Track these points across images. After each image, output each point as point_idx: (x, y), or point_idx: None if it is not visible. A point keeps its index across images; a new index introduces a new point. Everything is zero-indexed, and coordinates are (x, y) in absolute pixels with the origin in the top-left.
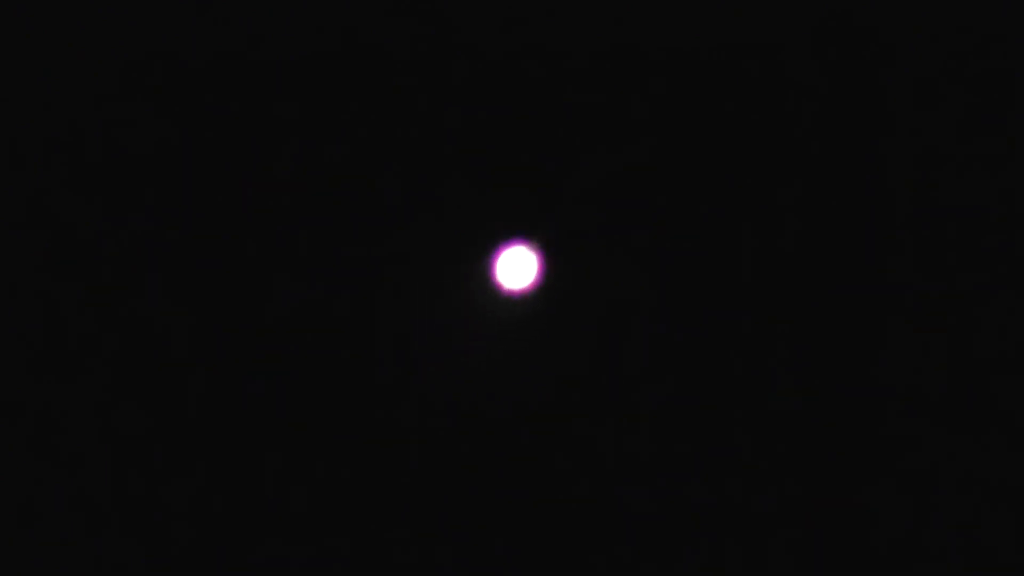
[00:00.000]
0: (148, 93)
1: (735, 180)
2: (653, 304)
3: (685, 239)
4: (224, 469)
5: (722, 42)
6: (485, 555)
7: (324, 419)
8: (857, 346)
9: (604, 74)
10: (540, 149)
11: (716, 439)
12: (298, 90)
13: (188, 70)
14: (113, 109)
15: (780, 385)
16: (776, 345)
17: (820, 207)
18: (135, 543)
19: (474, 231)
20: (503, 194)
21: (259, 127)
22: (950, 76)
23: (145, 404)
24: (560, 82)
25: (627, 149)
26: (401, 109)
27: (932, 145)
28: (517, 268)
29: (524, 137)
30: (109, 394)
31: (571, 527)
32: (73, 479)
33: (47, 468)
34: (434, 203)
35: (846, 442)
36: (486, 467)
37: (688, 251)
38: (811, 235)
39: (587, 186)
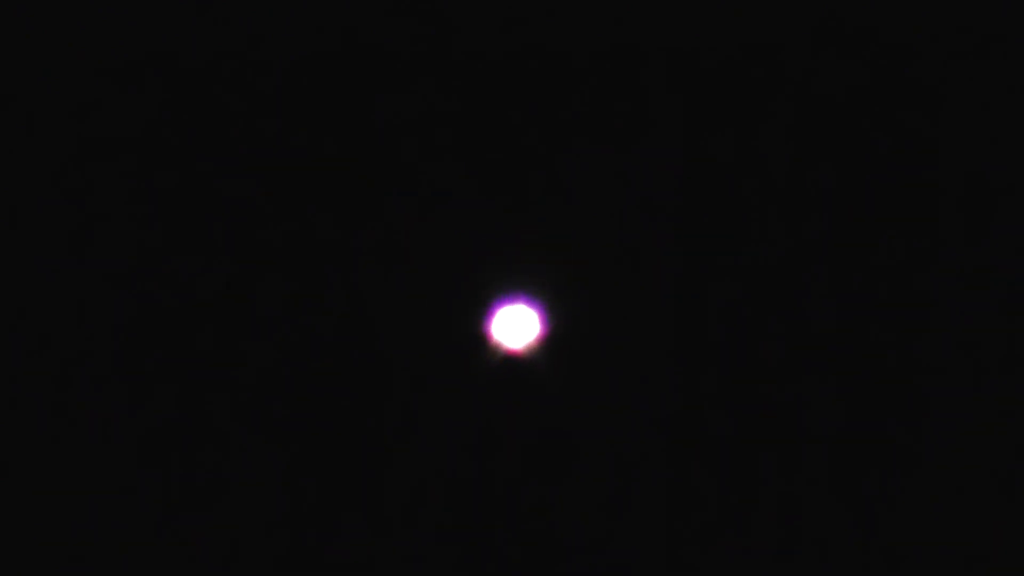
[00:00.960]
0: (148, 93)
1: (740, 202)
2: (658, 358)
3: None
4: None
5: (722, 44)
6: None
7: (320, 475)
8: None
9: (606, 80)
10: (541, 182)
11: (724, 491)
12: (298, 90)
13: (188, 70)
14: (113, 109)
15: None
16: (783, 383)
17: (823, 214)
18: (133, 543)
19: (472, 286)
20: (502, 246)
21: (257, 129)
22: (951, 76)
23: (142, 406)
24: (560, 90)
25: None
26: (399, 117)
27: (932, 144)
28: (516, 326)
29: (524, 166)
30: (109, 394)
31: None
32: (70, 479)
33: (45, 468)
34: (433, 247)
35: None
36: (482, 520)
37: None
38: (814, 253)
39: (587, 234)
